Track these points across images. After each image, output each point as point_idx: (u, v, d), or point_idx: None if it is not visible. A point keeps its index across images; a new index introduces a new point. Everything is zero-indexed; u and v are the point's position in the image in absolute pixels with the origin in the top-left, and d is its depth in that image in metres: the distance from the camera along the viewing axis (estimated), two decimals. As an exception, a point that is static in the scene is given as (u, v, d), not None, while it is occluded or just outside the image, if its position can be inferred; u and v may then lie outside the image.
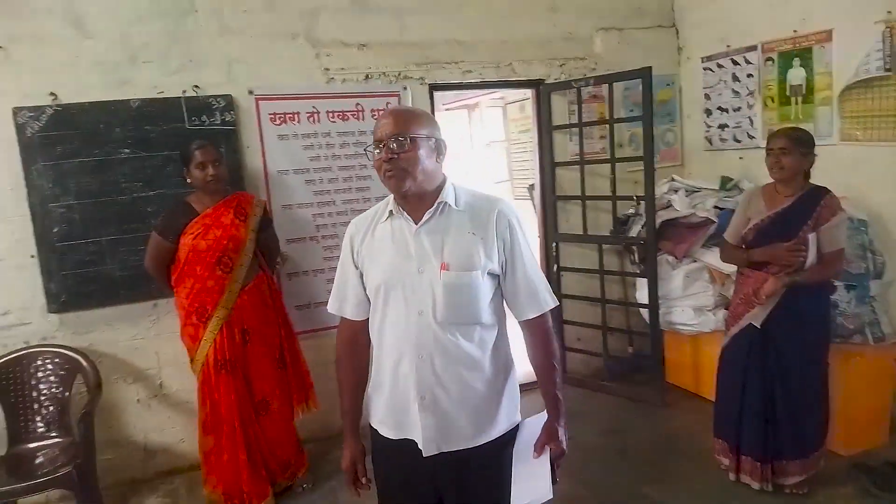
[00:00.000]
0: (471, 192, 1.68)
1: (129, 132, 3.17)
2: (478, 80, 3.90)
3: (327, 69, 3.53)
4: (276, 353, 3.16)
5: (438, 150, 1.61)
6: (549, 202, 4.20)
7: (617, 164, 3.91)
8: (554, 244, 4.20)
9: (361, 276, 1.66)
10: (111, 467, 3.22)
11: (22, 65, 3.01)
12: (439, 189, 1.60)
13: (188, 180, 2.90)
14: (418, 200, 1.58)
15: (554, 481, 1.66)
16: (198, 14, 3.27)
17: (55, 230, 3.10)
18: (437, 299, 1.54)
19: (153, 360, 3.32)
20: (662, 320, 3.83)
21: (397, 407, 1.62)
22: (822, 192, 2.71)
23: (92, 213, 3.13)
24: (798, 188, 2.74)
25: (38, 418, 2.96)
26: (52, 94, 3.05)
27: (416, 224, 1.58)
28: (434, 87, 3.81)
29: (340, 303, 1.71)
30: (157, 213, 3.07)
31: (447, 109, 6.83)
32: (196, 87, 3.28)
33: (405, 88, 3.70)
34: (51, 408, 2.98)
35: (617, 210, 4.07)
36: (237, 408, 2.98)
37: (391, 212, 1.62)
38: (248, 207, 3.04)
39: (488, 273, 1.59)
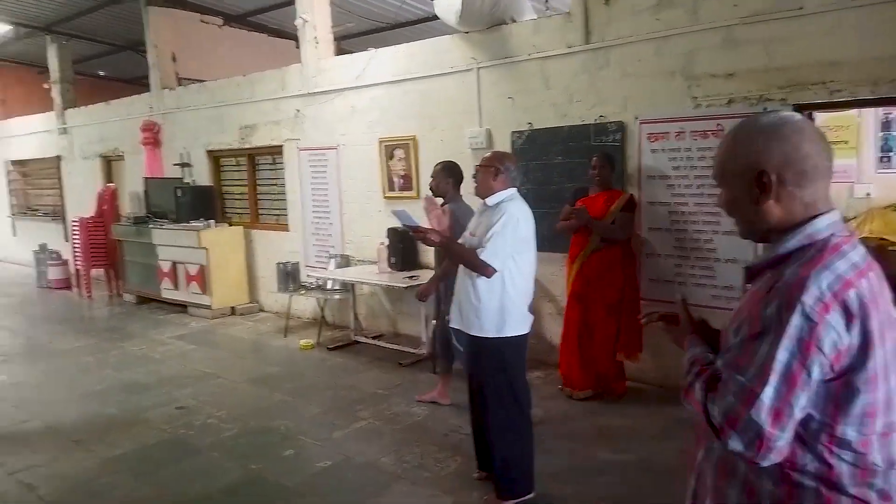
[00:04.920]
0: None
1: (560, 146, 5.09)
2: (849, 98, 3.84)
3: (695, 97, 4.41)
4: (612, 302, 4.55)
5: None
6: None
7: None
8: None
9: None
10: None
11: (519, 107, 5.33)
12: None
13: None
14: None
15: None
16: (610, 67, 4.78)
17: (520, 202, 5.38)
18: None
19: (560, 290, 5.22)
20: None
21: None
22: None
23: (537, 193, 5.24)
24: None
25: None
26: (529, 123, 5.27)
27: None
28: (799, 108, 4.02)
29: None
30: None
31: None
32: (601, 116, 4.86)
33: (765, 109, 4.12)
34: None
35: None
36: (575, 324, 4.62)
37: None
38: (616, 199, 4.52)
39: None
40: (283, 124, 7.36)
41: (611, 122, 4.82)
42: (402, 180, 6.32)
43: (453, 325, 3.29)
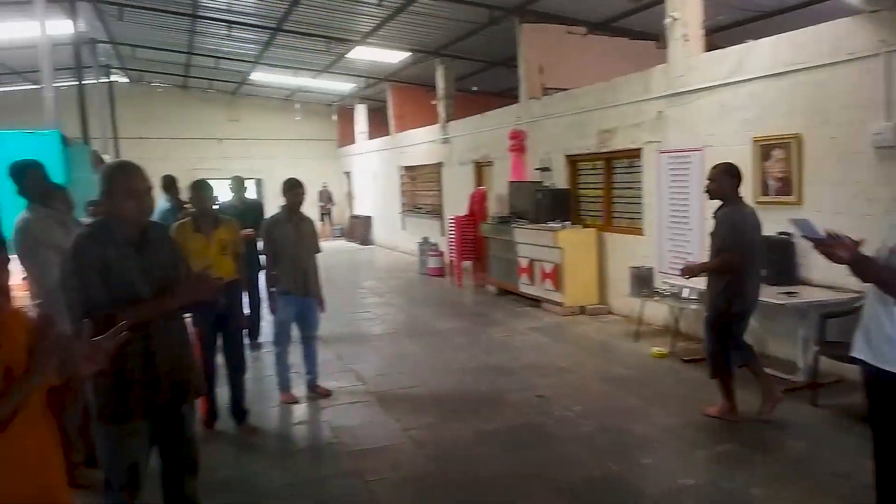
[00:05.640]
0: None
1: None
2: None
3: None
4: None
5: None
6: None
7: None
8: None
9: None
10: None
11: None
12: None
13: None
14: None
15: None
16: None
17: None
18: None
19: None
20: None
21: None
22: None
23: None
24: None
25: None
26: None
27: None
28: None
29: None
30: None
31: None
32: None
33: None
34: None
35: None
36: None
37: None
38: None
39: None
40: (644, 127, 7.29)
41: None
42: (778, 183, 5.69)
43: (856, 354, 2.82)
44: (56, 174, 4.74)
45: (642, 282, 6.80)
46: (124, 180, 2.46)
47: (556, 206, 8.53)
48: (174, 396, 2.60)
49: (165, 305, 2.49)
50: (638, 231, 7.60)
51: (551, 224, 8.32)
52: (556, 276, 8.10)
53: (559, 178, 8.99)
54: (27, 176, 3.72)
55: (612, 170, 8.18)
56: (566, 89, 8.94)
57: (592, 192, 8.61)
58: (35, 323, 1.69)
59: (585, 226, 8.45)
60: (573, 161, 8.84)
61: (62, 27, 9.61)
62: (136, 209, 2.47)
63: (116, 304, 2.37)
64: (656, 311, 7.11)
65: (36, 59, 7.30)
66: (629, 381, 5.48)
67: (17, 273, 6.43)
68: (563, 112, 8.75)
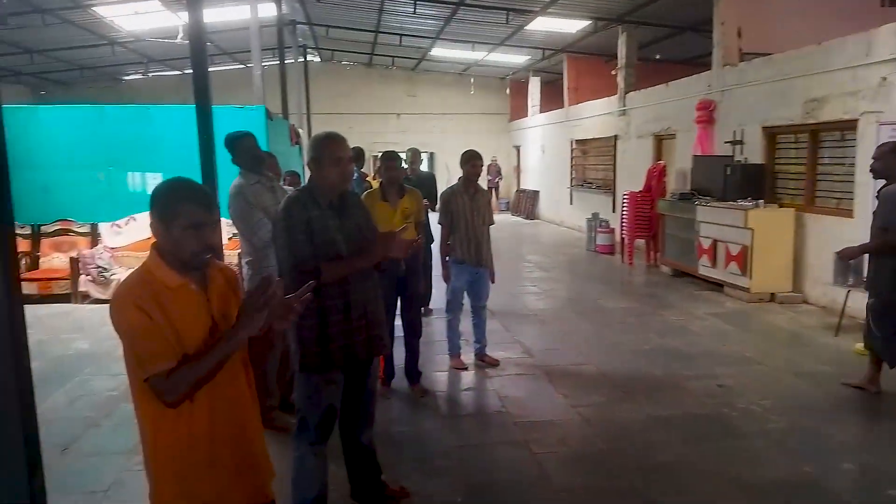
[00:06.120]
0: None
1: None
2: None
3: None
4: None
5: None
6: None
7: None
8: None
9: None
10: None
11: None
12: None
13: None
14: None
15: None
16: None
17: None
18: None
19: None
20: None
21: None
22: None
23: None
24: None
25: None
26: None
27: None
28: None
29: None
30: None
31: None
32: None
33: None
34: None
35: None
36: None
37: None
38: None
39: None
40: (862, 95, 6.39)
41: None
42: None
43: None
44: (261, 146, 5.22)
45: (849, 270, 6.02)
46: (331, 149, 2.66)
47: (748, 183, 7.80)
48: (367, 350, 2.78)
49: (362, 262, 2.67)
50: (847, 213, 6.73)
51: (741, 202, 7.63)
52: (743, 258, 7.45)
53: (752, 153, 8.21)
54: (241, 145, 4.10)
55: (819, 143, 7.29)
56: (767, 54, 8.09)
57: (793, 168, 7.76)
58: (257, 282, 1.81)
59: (782, 205, 7.65)
60: (771, 134, 8.01)
61: (266, 10, 10.55)
62: (339, 175, 2.66)
63: (319, 260, 2.57)
64: (862, 304, 6.27)
65: (240, 40, 8.07)
66: (827, 378, 4.92)
67: (225, 232, 7.21)
68: (762, 80, 7.94)
